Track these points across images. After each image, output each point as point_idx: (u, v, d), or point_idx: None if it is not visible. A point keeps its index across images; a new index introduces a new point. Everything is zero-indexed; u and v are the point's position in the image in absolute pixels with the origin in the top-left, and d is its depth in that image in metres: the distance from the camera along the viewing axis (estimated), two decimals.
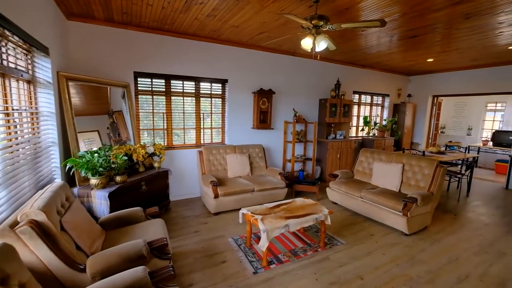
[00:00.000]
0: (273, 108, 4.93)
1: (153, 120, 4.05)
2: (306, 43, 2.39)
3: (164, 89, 4.05)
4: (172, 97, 4.14)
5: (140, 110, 3.93)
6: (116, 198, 2.61)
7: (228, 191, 3.52)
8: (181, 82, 4.16)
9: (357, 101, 6.40)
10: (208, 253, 2.61)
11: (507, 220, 3.66)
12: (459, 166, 5.22)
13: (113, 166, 2.86)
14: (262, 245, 2.29)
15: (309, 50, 2.54)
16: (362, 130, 6.36)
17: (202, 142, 4.49)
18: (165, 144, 4.18)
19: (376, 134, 6.44)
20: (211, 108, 4.50)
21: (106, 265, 1.55)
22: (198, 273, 2.29)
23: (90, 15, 3.17)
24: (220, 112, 4.60)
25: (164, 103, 4.10)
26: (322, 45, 2.40)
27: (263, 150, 4.63)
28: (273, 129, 4.90)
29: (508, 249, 2.85)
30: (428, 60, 5.20)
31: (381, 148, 6.16)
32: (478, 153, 6.76)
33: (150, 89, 3.96)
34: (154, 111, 4.05)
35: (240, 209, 2.94)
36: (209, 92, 4.42)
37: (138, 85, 3.85)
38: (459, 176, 4.58)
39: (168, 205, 3.73)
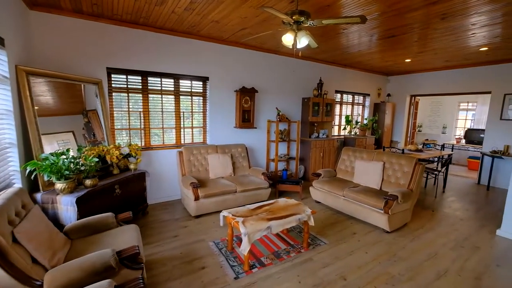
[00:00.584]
0: (256, 107, 4.85)
1: (129, 119, 3.83)
2: (287, 39, 2.32)
3: (140, 87, 3.84)
4: (150, 95, 3.94)
5: (115, 109, 3.70)
6: (85, 203, 2.41)
7: (209, 193, 3.39)
8: (159, 79, 3.97)
9: (339, 100, 6.47)
10: (187, 259, 2.48)
11: (480, 214, 3.82)
12: (435, 163, 5.41)
13: (82, 168, 2.65)
14: (244, 249, 2.20)
15: (291, 47, 2.48)
16: (344, 129, 6.44)
17: (182, 142, 4.32)
18: (143, 145, 3.97)
19: (358, 133, 6.55)
20: (192, 106, 4.34)
21: (67, 280, 1.39)
22: (176, 282, 2.15)
23: (56, 5, 2.92)
24: (202, 111, 4.45)
25: (141, 101, 3.89)
26: (303, 41, 2.34)
27: (246, 149, 4.53)
28: (256, 128, 4.82)
29: (481, 243, 2.95)
30: (406, 60, 5.34)
31: (362, 146, 6.26)
32: (452, 151, 7.08)
33: (126, 86, 3.74)
34: (130, 109, 3.83)
35: (222, 211, 2.82)
36: (190, 90, 4.26)
37: (112, 82, 3.62)
38: (436, 173, 4.74)
39: (145, 209, 3.53)
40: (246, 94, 4.55)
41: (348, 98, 6.68)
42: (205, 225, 3.24)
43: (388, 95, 7.23)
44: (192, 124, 4.38)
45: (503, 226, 3.14)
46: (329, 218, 3.56)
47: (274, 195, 4.36)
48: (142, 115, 3.92)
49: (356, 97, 6.85)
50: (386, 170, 3.65)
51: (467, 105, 8.38)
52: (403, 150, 4.46)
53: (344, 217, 3.59)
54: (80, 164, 2.59)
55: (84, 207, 2.38)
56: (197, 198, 3.31)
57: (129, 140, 3.80)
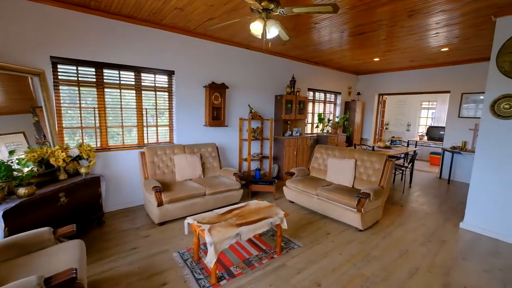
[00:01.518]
0: (227, 104, 4.60)
1: (80, 117, 3.37)
2: (256, 27, 2.12)
3: (94, 80, 3.40)
4: (106, 90, 3.51)
5: (63, 105, 3.22)
6: (17, 217, 2.00)
7: (174, 197, 3.09)
8: (117, 72, 3.55)
9: (312, 98, 6.47)
10: (145, 275, 2.18)
11: (444, 208, 3.98)
12: (402, 160, 5.61)
13: (15, 175, 2.22)
14: (209, 261, 1.97)
15: (260, 36, 2.29)
16: (317, 127, 6.45)
17: (146, 142, 3.93)
18: (99, 145, 3.53)
19: (330, 131, 6.60)
20: (156, 103, 3.97)
21: None
22: None
23: None
24: (167, 107, 4.10)
25: (96, 96, 3.45)
26: (273, 31, 2.16)
27: (217, 149, 4.28)
28: (227, 126, 4.58)
29: (447, 236, 3.04)
30: (374, 59, 5.46)
31: (334, 144, 6.33)
32: (415, 147, 7.47)
33: (76, 79, 3.28)
34: (83, 105, 3.37)
35: (188, 216, 2.54)
36: (153, 84, 3.89)
37: (59, 73, 3.14)
38: (403, 168, 4.90)
39: (101, 218, 3.13)
40: (216, 90, 4.28)
41: (320, 96, 6.71)
42: (170, 233, 2.94)
43: (358, 93, 7.41)
44: (156, 122, 4.02)
45: (465, 219, 3.28)
46: (303, 218, 3.45)
47: (247, 196, 4.17)
48: (97, 112, 3.48)
49: (328, 95, 6.91)
50: (358, 167, 3.64)
51: (428, 104, 8.92)
52: (373, 147, 4.54)
53: (318, 216, 3.51)
54: (12, 170, 2.17)
55: (15, 221, 1.98)
56: (160, 203, 2.99)
57: (79, 141, 3.34)
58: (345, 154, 3.86)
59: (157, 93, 3.96)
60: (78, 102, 3.33)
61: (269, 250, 2.59)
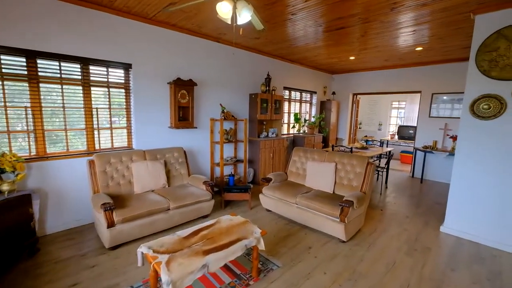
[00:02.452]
0: (196, 103, 4.13)
1: (6, 118, 2.69)
2: (224, 9, 1.72)
3: (26, 72, 2.74)
4: (43, 85, 2.86)
5: None
6: None
7: (129, 215, 2.57)
8: (57, 64, 2.92)
9: (288, 97, 6.21)
10: None
11: (421, 210, 3.92)
12: (378, 160, 5.57)
13: None
14: None
15: (229, 21, 1.89)
16: (293, 127, 6.21)
17: (97, 147, 3.33)
18: (33, 153, 2.87)
19: (307, 131, 6.40)
20: (110, 101, 3.37)
21: None
22: None
23: None
24: (125, 107, 3.52)
25: (28, 92, 2.79)
26: (244, 15, 1.78)
27: (184, 154, 3.79)
28: (196, 128, 4.10)
29: (430, 242, 2.91)
30: (350, 58, 5.33)
31: (311, 145, 6.13)
32: (387, 146, 7.60)
33: None
34: (8, 104, 2.69)
35: (148, 236, 2.09)
36: (105, 79, 3.29)
37: None
38: (379, 169, 4.83)
39: (34, 245, 2.50)
40: (183, 87, 3.79)
41: (296, 95, 6.48)
42: (123, 259, 2.42)
43: (333, 93, 7.32)
44: (110, 124, 3.42)
45: (445, 223, 3.19)
46: (281, 230, 3.13)
47: (219, 206, 3.75)
48: (30, 112, 2.82)
49: (304, 94, 6.71)
50: (338, 171, 3.41)
51: (398, 104, 9.19)
52: (351, 148, 4.39)
53: (298, 226, 3.21)
54: None
55: None
56: (111, 224, 2.46)
57: (2, 149, 2.66)
58: (324, 157, 3.61)
59: (111, 89, 3.37)
60: (2, 100, 2.65)
61: (244, 274, 2.21)
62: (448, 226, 3.16)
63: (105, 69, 3.28)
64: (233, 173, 4.61)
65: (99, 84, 3.25)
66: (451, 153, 5.08)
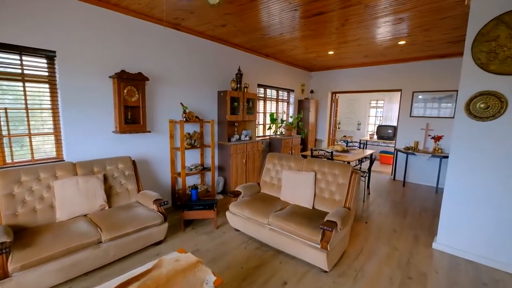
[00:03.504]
0: (150, 102, 3.43)
1: None
2: None
3: None
4: None
5: None
6: None
7: (34, 259, 1.84)
8: None
9: (263, 95, 5.65)
10: None
11: (408, 221, 3.54)
12: (359, 164, 5.19)
13: None
14: None
15: None
16: (269, 128, 5.67)
17: (8, 160, 2.53)
18: None
19: (284, 133, 5.89)
20: (26, 99, 2.58)
21: None
22: None
23: None
24: (50, 107, 2.74)
25: None
26: None
27: (133, 164, 3.08)
28: (150, 132, 3.39)
29: (424, 265, 2.49)
30: (329, 52, 4.89)
31: (289, 147, 5.64)
32: (366, 147, 7.32)
33: None
34: None
35: (69, 281, 1.42)
36: (19, 71, 2.50)
37: None
38: (361, 173, 4.43)
39: None
40: (130, 83, 3.07)
41: (272, 93, 5.94)
42: None
43: (312, 91, 6.89)
44: (29, 129, 2.63)
45: (438, 238, 2.80)
46: (251, 257, 2.55)
47: (178, 227, 3.09)
48: None
49: (280, 92, 6.20)
50: (318, 182, 2.89)
51: (376, 103, 9.02)
52: (331, 153, 3.94)
53: (271, 251, 2.65)
54: None
55: None
56: (4, 274, 1.72)
57: None
58: (302, 166, 3.08)
59: (28, 84, 2.58)
60: None
61: None
62: (441, 243, 2.77)
63: (18, 57, 2.49)
64: (196, 185, 3.96)
65: (9, 76, 2.45)
66: (434, 154, 4.82)
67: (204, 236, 2.95)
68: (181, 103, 3.67)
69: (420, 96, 5.32)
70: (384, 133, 8.14)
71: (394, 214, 3.73)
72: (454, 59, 4.83)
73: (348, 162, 3.87)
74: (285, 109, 6.45)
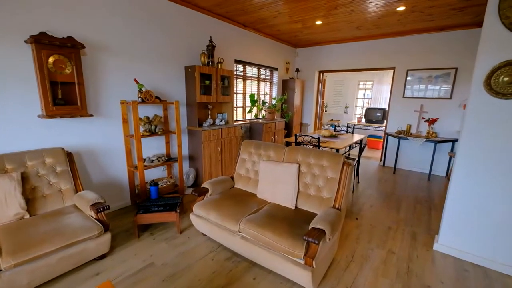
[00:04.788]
0: (92, 78, 2.70)
1: None
2: None
3: None
4: None
5: None
6: None
7: None
8: None
9: (242, 74, 4.97)
10: None
11: (403, 215, 3.15)
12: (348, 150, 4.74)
13: None
14: None
15: None
16: (250, 111, 5.05)
17: None
18: None
19: (266, 116, 5.30)
20: None
21: None
22: None
23: None
24: None
25: None
26: None
27: (69, 158, 2.41)
28: (92, 116, 2.69)
29: (427, 273, 2.07)
30: (317, 22, 4.22)
31: (271, 133, 5.07)
32: (353, 131, 6.91)
33: None
34: None
35: None
36: None
37: None
38: (352, 162, 3.96)
39: None
40: (57, 51, 2.32)
41: (253, 71, 5.26)
42: None
43: (297, 70, 6.25)
44: None
45: (440, 239, 2.39)
46: (220, 272, 2.03)
47: (131, 235, 2.51)
48: None
49: (262, 71, 5.52)
50: (302, 175, 2.37)
51: (365, 84, 8.54)
52: (318, 138, 3.42)
53: (244, 263, 2.15)
54: None
55: None
56: None
57: None
58: (283, 155, 2.53)
59: None
60: None
61: None
62: (444, 243, 2.37)
63: None
64: (167, 176, 3.35)
65: None
66: (428, 139, 4.43)
67: (163, 244, 2.39)
68: (135, 80, 2.95)
69: (414, 75, 4.83)
70: (373, 116, 7.73)
71: (386, 207, 3.32)
72: (454, 32, 4.33)
73: (337, 150, 3.37)
74: (267, 90, 5.81)
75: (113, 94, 2.91)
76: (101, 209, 2.03)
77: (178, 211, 2.52)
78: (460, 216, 2.26)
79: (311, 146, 3.56)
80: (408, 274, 2.06)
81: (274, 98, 5.74)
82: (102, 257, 2.14)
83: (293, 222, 1.99)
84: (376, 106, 7.99)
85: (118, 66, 2.90)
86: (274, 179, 2.41)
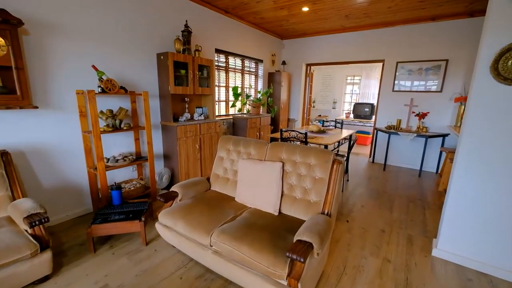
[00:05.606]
0: (38, 63, 2.25)
1: None
2: None
3: None
4: None
5: None
6: None
7: None
8: None
9: (224, 64, 4.59)
10: None
11: (396, 216, 2.91)
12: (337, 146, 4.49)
13: None
14: None
15: None
16: (233, 105, 4.69)
17: None
18: None
19: (250, 111, 4.96)
20: None
21: None
22: None
23: None
24: None
25: None
26: None
27: (3, 160, 1.98)
28: (37, 107, 2.25)
29: (427, 286, 1.82)
30: (303, 9, 3.91)
31: (256, 128, 4.74)
32: (341, 127, 6.70)
33: None
34: None
35: None
36: None
37: None
38: (342, 159, 3.71)
39: None
40: None
41: (236, 63, 4.89)
42: None
43: (283, 63, 5.94)
44: None
45: (439, 243, 2.15)
46: None
47: (83, 252, 2.11)
48: None
49: (247, 63, 5.16)
50: (287, 176, 2.05)
51: (353, 79, 8.36)
52: (305, 134, 3.13)
53: (219, 280, 1.82)
54: None
55: None
56: None
57: None
58: (265, 153, 2.20)
59: None
60: None
61: None
62: (443, 249, 2.13)
63: None
64: (137, 178, 2.95)
65: None
66: (419, 134, 4.24)
67: (124, 260, 2.01)
68: (94, 66, 2.52)
69: (404, 67, 4.63)
70: (361, 111, 7.56)
71: (378, 207, 3.08)
72: (445, 22, 4.14)
73: (326, 146, 3.09)
74: (252, 83, 5.47)
75: (67, 83, 2.48)
76: (37, 223, 1.63)
77: (143, 219, 2.15)
78: (461, 218, 2.03)
79: (299, 143, 3.26)
80: (407, 287, 1.79)
81: (259, 92, 5.41)
82: (44, 279, 1.75)
83: (275, 232, 1.67)
84: (364, 101, 7.83)
85: (74, 50, 2.47)
86: (255, 180, 2.08)
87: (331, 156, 1.91)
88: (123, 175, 3.10)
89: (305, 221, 1.83)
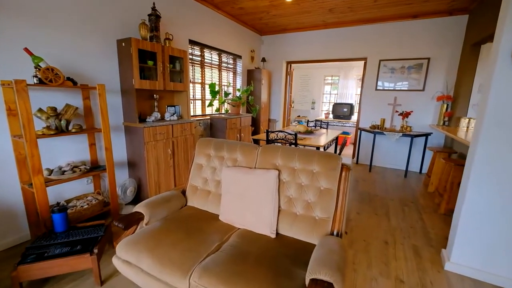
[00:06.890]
0: None
1: None
2: None
3: None
4: None
5: None
6: None
7: None
8: None
9: (199, 58, 4.10)
10: None
11: (395, 223, 2.68)
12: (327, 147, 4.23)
13: None
14: None
15: None
16: (211, 105, 4.21)
17: None
18: None
19: (229, 110, 4.52)
20: None
21: None
22: None
23: None
24: None
25: None
26: None
27: None
28: None
29: None
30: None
31: (236, 129, 4.32)
32: (327, 127, 6.54)
33: None
34: None
35: None
36: None
37: None
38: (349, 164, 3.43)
39: None
40: None
41: (213, 57, 4.42)
42: None
43: (263, 59, 5.59)
44: None
45: (452, 257, 1.91)
46: None
47: None
48: None
49: (224, 58, 4.71)
50: (284, 186, 1.66)
51: (331, 79, 8.30)
52: (295, 135, 2.79)
53: None
54: None
55: None
56: None
57: None
58: (255, 159, 1.79)
59: None
60: None
61: None
62: (458, 262, 1.90)
63: None
64: (94, 192, 2.35)
65: None
66: (404, 133, 4.14)
67: None
68: (27, 49, 1.91)
69: (387, 66, 4.53)
70: (340, 111, 7.48)
71: (374, 214, 2.83)
72: (427, 20, 4.10)
73: (318, 148, 2.77)
74: (231, 80, 5.03)
75: None
76: None
77: (95, 251, 1.62)
78: (478, 229, 1.80)
79: (287, 145, 2.90)
80: None
81: (239, 90, 4.99)
82: None
83: (276, 264, 1.27)
84: (342, 102, 7.78)
85: (2, 26, 1.85)
86: (244, 194, 1.66)
87: (338, 161, 1.56)
88: (75, 189, 2.48)
89: (310, 244, 1.46)
